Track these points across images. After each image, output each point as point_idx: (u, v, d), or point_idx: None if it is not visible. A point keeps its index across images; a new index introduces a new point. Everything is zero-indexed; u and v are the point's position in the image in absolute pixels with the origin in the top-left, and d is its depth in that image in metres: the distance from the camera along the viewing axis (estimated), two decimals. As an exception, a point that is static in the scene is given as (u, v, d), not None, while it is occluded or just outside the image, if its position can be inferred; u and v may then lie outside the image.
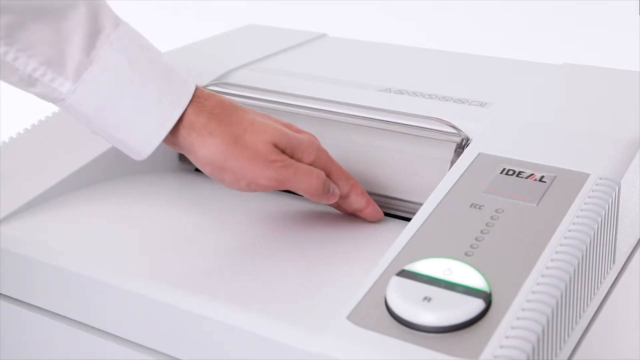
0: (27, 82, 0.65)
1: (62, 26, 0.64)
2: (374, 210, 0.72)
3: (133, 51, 0.66)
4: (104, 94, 0.65)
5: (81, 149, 0.78)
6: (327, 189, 0.70)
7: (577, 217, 0.60)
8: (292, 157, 0.69)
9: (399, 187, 0.74)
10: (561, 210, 0.61)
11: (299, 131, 0.72)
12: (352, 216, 0.73)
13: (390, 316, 0.54)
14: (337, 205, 0.73)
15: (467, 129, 0.73)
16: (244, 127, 0.67)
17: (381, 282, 0.57)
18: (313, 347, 0.55)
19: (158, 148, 0.67)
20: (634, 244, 0.70)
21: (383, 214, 0.73)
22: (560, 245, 0.58)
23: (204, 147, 0.67)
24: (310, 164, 0.69)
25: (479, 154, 0.68)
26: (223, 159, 0.66)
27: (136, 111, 0.66)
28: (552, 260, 0.57)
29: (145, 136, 0.67)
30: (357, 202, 0.72)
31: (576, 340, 0.60)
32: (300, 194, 0.70)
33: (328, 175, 0.71)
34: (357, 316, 0.55)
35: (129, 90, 0.65)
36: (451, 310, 0.53)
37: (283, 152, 0.68)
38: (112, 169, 0.80)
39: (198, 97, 0.68)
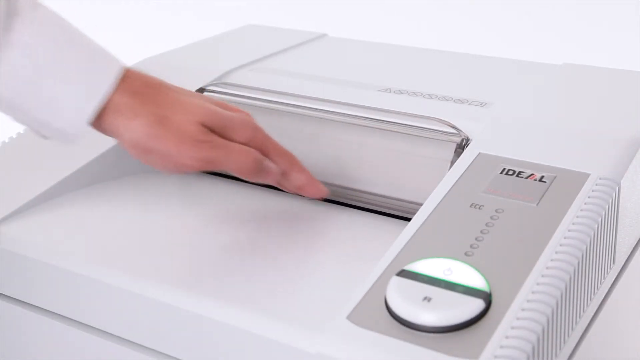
0: None
1: None
2: (315, 188, 0.71)
3: (53, 31, 0.63)
4: (24, 76, 0.62)
5: (81, 149, 0.78)
6: (262, 167, 0.68)
7: (577, 217, 0.60)
8: (223, 136, 0.67)
9: (399, 187, 0.74)
10: (561, 210, 0.61)
11: (231, 109, 0.70)
12: (351, 216, 0.73)
13: (390, 316, 0.54)
14: (277, 183, 0.72)
15: (467, 129, 0.73)
16: (169, 107, 0.65)
17: (381, 282, 0.57)
18: (313, 347, 0.55)
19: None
20: (634, 244, 0.70)
21: (327, 192, 0.72)
22: (560, 245, 0.58)
23: (128, 130, 0.64)
24: (244, 143, 0.67)
25: (479, 154, 0.68)
26: (148, 141, 0.64)
27: (59, 93, 0.63)
28: (552, 260, 0.57)
29: (72, 119, 0.64)
30: (298, 179, 0.71)
31: (576, 340, 0.60)
32: (234, 174, 0.68)
33: (265, 154, 0.69)
34: (357, 316, 0.55)
35: (50, 71, 0.63)
36: (451, 310, 0.53)
37: (213, 131, 0.66)
38: (112, 169, 0.80)
39: (125, 78, 0.65)
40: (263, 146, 0.69)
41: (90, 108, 0.64)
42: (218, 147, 0.66)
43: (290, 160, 0.71)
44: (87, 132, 0.65)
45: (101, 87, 0.64)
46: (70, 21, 0.66)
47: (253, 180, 0.69)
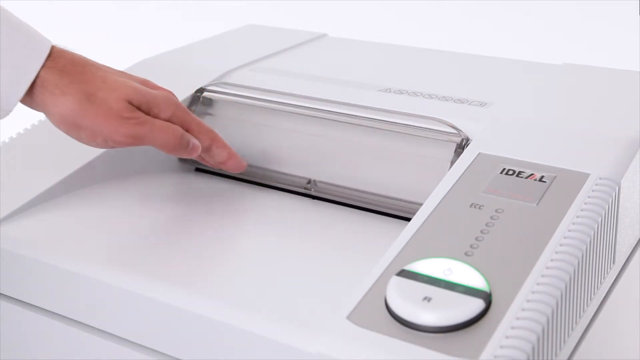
0: None
1: None
2: (235, 162, 0.75)
3: None
4: None
5: (81, 149, 0.78)
6: (185, 143, 0.70)
7: (577, 217, 0.60)
8: (148, 113, 0.70)
9: (399, 187, 0.74)
10: (561, 210, 0.61)
11: (155, 87, 0.73)
12: (351, 216, 0.73)
13: (390, 316, 0.54)
14: (201, 159, 0.75)
15: (467, 129, 0.73)
16: (96, 85, 0.68)
17: (381, 282, 0.57)
18: (313, 347, 0.55)
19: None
20: (634, 244, 0.70)
21: (245, 166, 0.76)
22: (560, 245, 0.58)
23: (56, 106, 0.67)
24: (167, 120, 0.70)
25: (479, 154, 0.68)
26: (77, 117, 0.67)
27: None
28: (552, 260, 0.57)
29: (3, 94, 0.66)
30: (219, 154, 0.74)
31: (576, 340, 0.60)
32: (159, 149, 0.70)
33: (188, 130, 0.72)
34: (357, 316, 0.55)
35: None
36: (451, 310, 0.53)
37: (139, 109, 0.69)
38: (112, 169, 0.80)
39: (52, 56, 0.68)
40: (185, 122, 0.72)
41: (22, 87, 0.67)
42: (144, 124, 0.68)
43: (211, 136, 0.74)
44: (15, 107, 0.68)
45: (31, 66, 0.67)
46: (0, 3, 0.68)
47: (178, 156, 0.73)
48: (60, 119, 0.68)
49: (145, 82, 0.73)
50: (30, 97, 0.68)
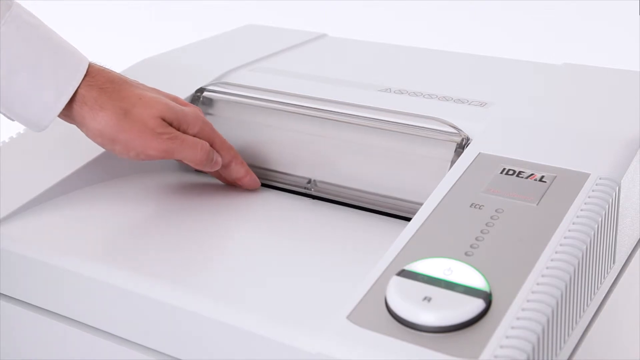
0: None
1: None
2: (251, 179, 0.79)
3: (26, 30, 0.69)
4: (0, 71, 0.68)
5: (81, 149, 0.78)
6: (211, 158, 0.75)
7: (577, 217, 0.60)
8: (178, 129, 0.74)
9: (399, 187, 0.74)
10: (561, 210, 0.61)
11: (184, 104, 0.77)
12: (351, 216, 0.73)
13: (390, 316, 0.54)
14: (218, 175, 0.79)
15: (467, 129, 0.73)
16: (133, 102, 0.72)
17: (381, 282, 0.57)
18: (313, 347, 0.55)
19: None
20: (634, 244, 0.70)
21: (260, 184, 0.79)
22: (560, 245, 0.58)
23: (95, 120, 0.71)
24: (195, 136, 0.74)
25: (479, 153, 0.68)
26: (114, 132, 0.71)
27: (32, 87, 0.69)
28: (552, 260, 0.57)
29: (42, 110, 0.70)
30: (237, 171, 0.78)
31: (576, 340, 0.60)
32: (187, 163, 0.74)
33: (211, 146, 0.76)
34: (357, 316, 0.55)
35: (24, 67, 0.69)
36: (451, 310, 0.53)
37: (170, 124, 0.73)
38: (112, 169, 0.80)
39: (90, 73, 0.72)
40: (210, 138, 0.76)
41: (62, 103, 0.70)
42: (175, 139, 0.72)
43: (232, 153, 0.78)
44: (53, 121, 0.71)
45: (71, 83, 0.70)
46: (41, 19, 0.72)
47: (202, 169, 0.76)
48: (98, 133, 0.71)
49: (175, 99, 0.77)
50: (67, 112, 0.71)
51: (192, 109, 0.76)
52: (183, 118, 0.74)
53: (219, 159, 0.76)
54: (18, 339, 0.72)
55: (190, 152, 0.73)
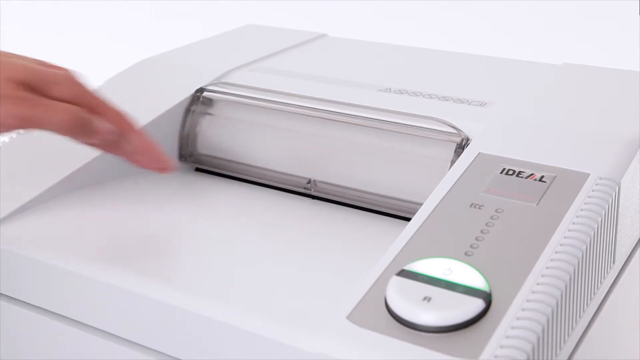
0: None
1: None
2: (154, 156, 0.67)
3: None
4: None
5: (82, 149, 0.78)
6: (84, 124, 0.64)
7: (577, 217, 0.60)
8: (44, 94, 0.63)
9: (399, 187, 0.74)
10: (561, 210, 0.61)
11: (54, 67, 0.66)
12: (351, 216, 0.73)
13: (390, 316, 0.54)
14: (110, 149, 0.68)
15: (467, 129, 0.73)
16: None
17: (381, 282, 0.57)
18: (313, 347, 0.55)
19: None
20: (634, 244, 0.70)
21: (171, 166, 0.68)
22: (560, 245, 0.58)
23: None
24: (67, 101, 0.64)
25: (479, 154, 0.68)
26: None
27: None
28: (552, 260, 0.57)
29: None
30: (132, 142, 0.67)
31: (576, 340, 0.60)
32: (56, 132, 0.64)
33: (94, 112, 0.65)
34: (357, 316, 0.55)
35: None
36: (451, 310, 0.53)
37: (33, 90, 0.63)
38: (113, 169, 0.80)
39: None
40: (87, 102, 0.65)
41: None
42: (37, 106, 0.62)
43: (121, 120, 0.66)
44: None
45: None
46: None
47: (81, 141, 0.66)
48: None
49: (42, 63, 0.66)
50: None
51: (61, 71, 0.65)
52: (45, 79, 0.63)
53: (102, 126, 0.64)
54: (18, 339, 0.72)
55: (53, 118, 0.62)
